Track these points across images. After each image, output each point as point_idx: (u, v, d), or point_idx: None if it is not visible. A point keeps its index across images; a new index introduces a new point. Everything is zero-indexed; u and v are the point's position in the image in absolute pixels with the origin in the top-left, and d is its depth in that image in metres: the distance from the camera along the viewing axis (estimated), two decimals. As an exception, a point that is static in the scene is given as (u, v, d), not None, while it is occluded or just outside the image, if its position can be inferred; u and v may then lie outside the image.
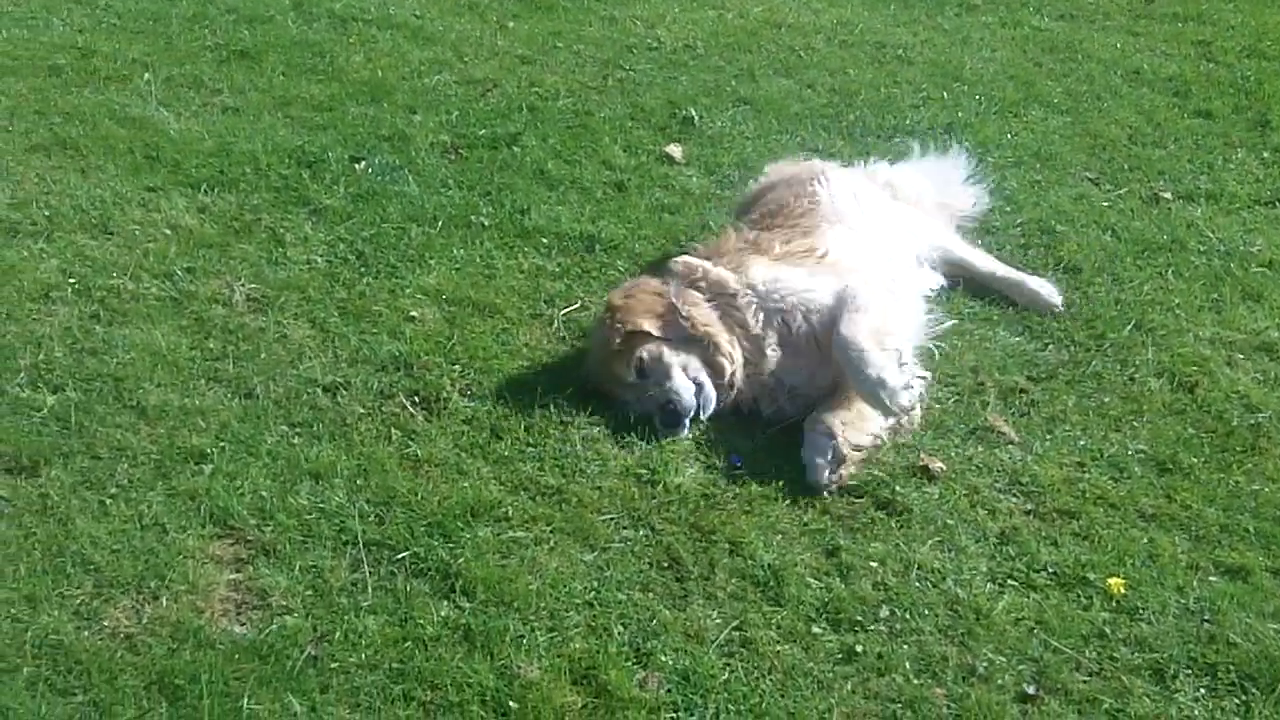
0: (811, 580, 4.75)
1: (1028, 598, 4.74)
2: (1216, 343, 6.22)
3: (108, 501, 4.79)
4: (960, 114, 8.44)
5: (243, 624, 4.39)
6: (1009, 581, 4.81)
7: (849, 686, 4.34)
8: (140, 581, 4.48)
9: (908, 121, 8.29)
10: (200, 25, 8.86)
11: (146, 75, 8.04)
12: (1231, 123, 8.54)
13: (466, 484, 5.02)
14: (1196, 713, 4.33)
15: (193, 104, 7.78)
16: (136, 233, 6.39)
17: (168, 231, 6.42)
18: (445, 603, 4.51)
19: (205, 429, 5.17)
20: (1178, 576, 4.86)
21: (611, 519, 4.95)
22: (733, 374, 5.52)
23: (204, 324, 5.79)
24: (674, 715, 4.19)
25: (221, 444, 5.10)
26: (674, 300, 5.60)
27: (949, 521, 5.06)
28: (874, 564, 4.83)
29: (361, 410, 5.36)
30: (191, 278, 6.08)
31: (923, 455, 5.37)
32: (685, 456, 5.31)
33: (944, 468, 5.33)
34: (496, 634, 4.38)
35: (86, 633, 4.28)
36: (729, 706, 4.23)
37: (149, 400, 5.29)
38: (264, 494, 4.88)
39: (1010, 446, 5.47)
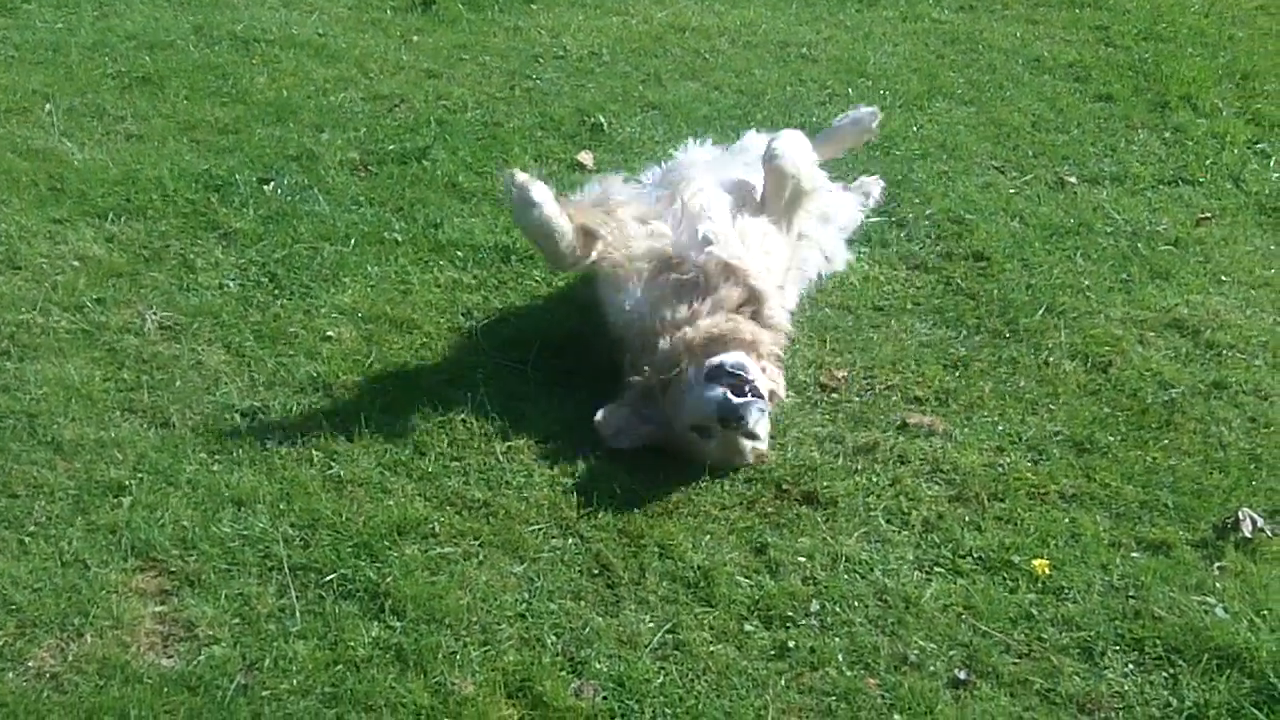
0: (741, 579, 4.77)
1: (955, 584, 4.79)
2: (1128, 322, 6.30)
3: (26, 540, 4.72)
4: (866, 108, 8.49)
5: (170, 656, 4.34)
6: (935, 569, 4.86)
7: (783, 682, 4.36)
8: (64, 619, 4.42)
9: (814, 119, 8.32)
10: (100, 53, 8.75)
11: (48, 106, 7.92)
12: (1132, 105, 8.66)
13: (391, 502, 5.00)
14: (1126, 688, 4.39)
15: (96, 133, 7.68)
16: (44, 266, 6.30)
17: (76, 263, 6.33)
18: (375, 623, 4.48)
19: (123, 461, 5.11)
20: (1101, 555, 4.93)
21: (540, 529, 4.95)
22: None
23: (117, 355, 5.72)
24: (610, 722, 4.20)
25: (140, 475, 5.04)
26: None
27: (874, 513, 5.10)
28: (802, 559, 4.86)
29: (281, 434, 5.32)
30: (102, 308, 6.01)
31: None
32: (610, 463, 5.31)
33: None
34: (429, 651, 4.36)
35: (11, 674, 4.22)
36: (665, 710, 4.24)
37: (64, 435, 5.22)
38: (185, 524, 4.83)
39: (930, 435, 5.52)
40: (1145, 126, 8.37)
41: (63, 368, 5.58)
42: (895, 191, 7.37)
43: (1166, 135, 8.27)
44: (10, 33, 9.01)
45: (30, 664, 4.27)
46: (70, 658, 4.29)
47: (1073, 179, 7.68)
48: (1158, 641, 4.56)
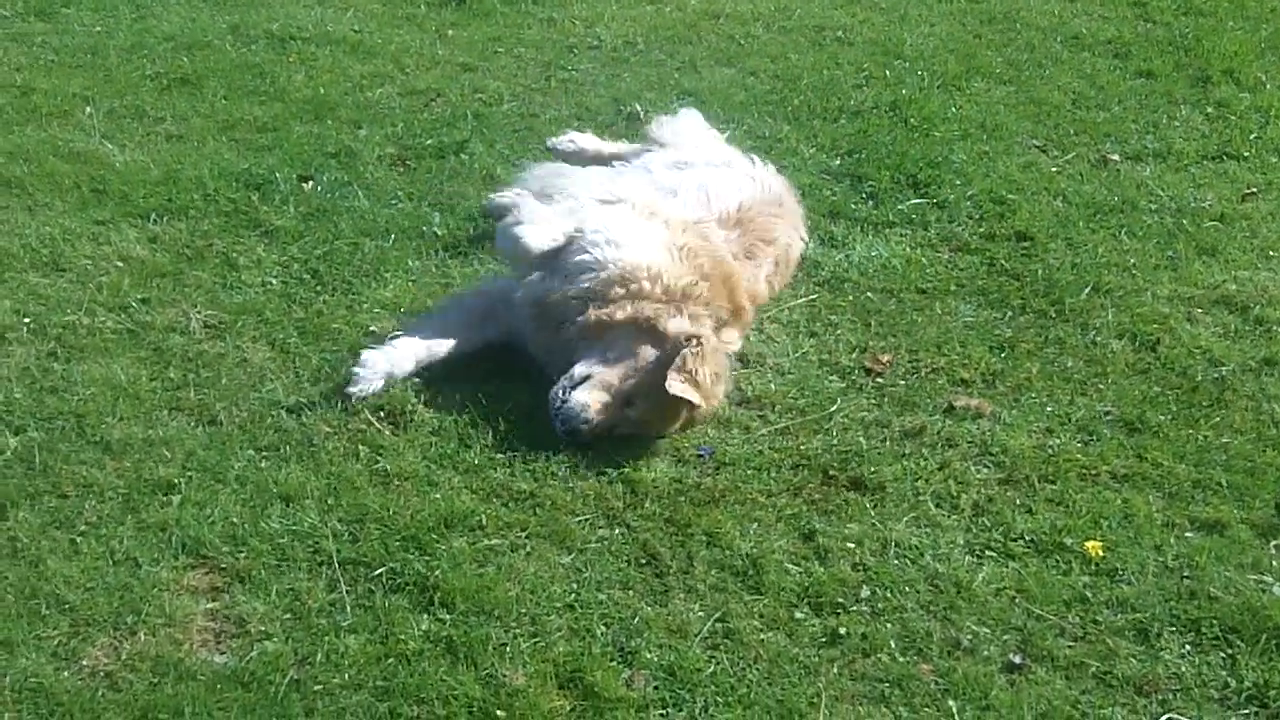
0: (790, 566, 4.75)
1: (1007, 567, 4.76)
2: (1175, 299, 6.25)
3: (78, 540, 4.74)
4: (904, 91, 8.45)
5: (223, 653, 4.35)
6: (987, 552, 4.83)
7: (835, 669, 4.34)
8: (117, 618, 4.43)
9: (851, 102, 8.29)
10: (139, 55, 8.78)
11: (88, 109, 7.96)
12: (1173, 81, 8.59)
13: (438, 495, 5.00)
14: (1183, 669, 4.36)
15: (136, 134, 7.70)
16: (89, 267, 6.32)
17: (120, 264, 6.36)
18: (425, 616, 4.48)
19: (171, 459, 5.13)
20: (1154, 535, 4.89)
21: (586, 520, 4.94)
22: None
23: (163, 354, 5.74)
24: (662, 712, 4.19)
25: (188, 473, 5.06)
26: None
27: (923, 497, 5.07)
28: (851, 545, 4.84)
29: (328, 429, 5.32)
30: (147, 308, 6.03)
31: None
32: (654, 452, 5.30)
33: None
34: (479, 643, 4.36)
35: (66, 673, 4.24)
36: (717, 699, 4.23)
37: (113, 435, 5.24)
38: (235, 520, 4.84)
39: (978, 418, 5.48)
40: (1187, 102, 8.31)
41: (109, 368, 5.60)
42: (935, 173, 7.33)
43: (1209, 110, 8.21)
44: (50, 37, 9.05)
45: (84, 663, 4.28)
46: (124, 656, 4.30)
47: (1115, 156, 7.62)
48: (1214, 622, 4.52)
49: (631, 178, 6.37)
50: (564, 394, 5.31)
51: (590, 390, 5.32)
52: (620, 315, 5.45)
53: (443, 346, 5.71)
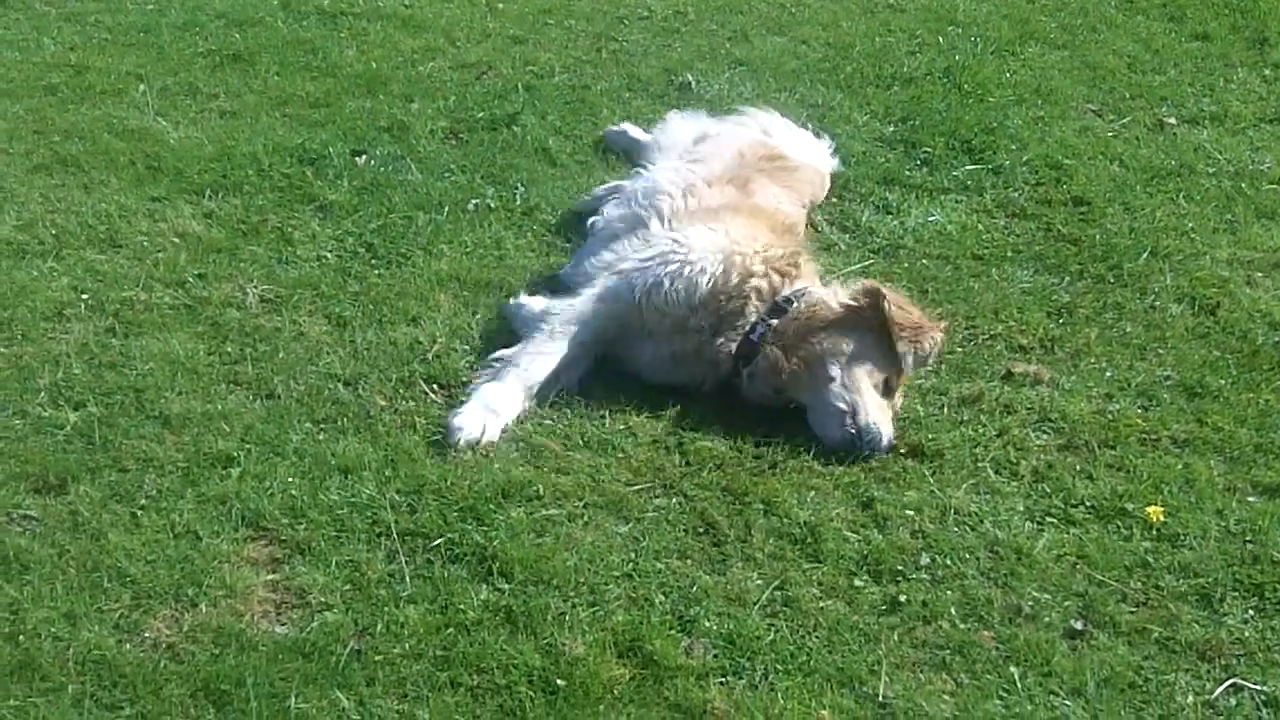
0: (849, 534, 4.73)
1: (1067, 533, 4.72)
2: (1234, 263, 6.19)
3: (138, 513, 4.77)
4: (957, 57, 8.39)
5: (283, 624, 4.37)
6: (1047, 519, 4.80)
7: (895, 637, 4.32)
8: (178, 590, 4.46)
9: (905, 69, 8.24)
10: (191, 32, 8.81)
11: (142, 86, 8.00)
12: (1229, 43, 8.49)
13: (495, 466, 5.00)
14: (1247, 634, 4.32)
15: (190, 111, 7.74)
16: (145, 244, 6.36)
17: (176, 240, 6.39)
18: (484, 586, 4.49)
19: (230, 433, 5.16)
20: (1216, 500, 4.84)
21: (643, 489, 4.94)
22: None
23: (220, 328, 5.77)
24: (722, 680, 4.17)
25: (247, 446, 5.08)
26: None
27: (982, 464, 5.04)
28: (910, 513, 4.81)
29: (384, 401, 5.34)
30: (203, 284, 6.06)
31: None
32: (710, 421, 5.29)
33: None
34: (538, 613, 4.36)
35: (128, 645, 4.27)
36: (776, 666, 4.21)
37: (171, 409, 5.27)
38: (294, 493, 4.86)
39: (1036, 384, 5.44)
40: (1244, 64, 8.22)
41: (167, 343, 5.63)
42: (990, 139, 7.28)
43: (1266, 72, 8.11)
44: (103, 16, 9.10)
45: (147, 635, 4.31)
46: (185, 628, 4.33)
47: (1172, 120, 7.54)
48: (1278, 586, 4.47)
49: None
50: (857, 432, 5.14)
51: (871, 411, 5.18)
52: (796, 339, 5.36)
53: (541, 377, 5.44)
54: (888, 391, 5.27)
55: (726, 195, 6.06)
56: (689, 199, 6.01)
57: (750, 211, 5.88)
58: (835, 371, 5.23)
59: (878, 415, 5.15)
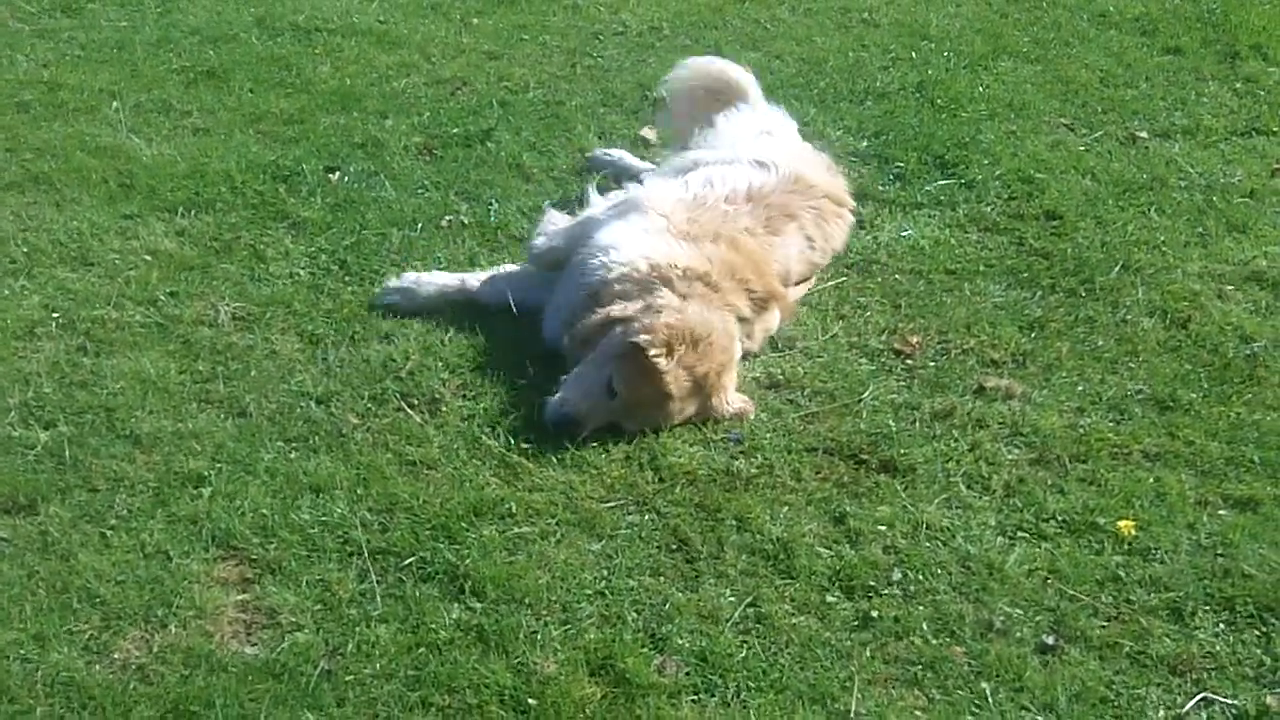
0: (821, 550, 4.73)
1: (1039, 548, 4.73)
2: (1205, 276, 6.21)
3: (109, 533, 4.75)
4: (930, 71, 8.41)
5: (254, 644, 4.36)
6: (1019, 533, 4.81)
7: (868, 653, 4.32)
8: (148, 611, 4.44)
9: (878, 84, 8.26)
10: (165, 49, 8.79)
11: (115, 104, 7.97)
12: (1201, 57, 8.53)
13: (468, 484, 5.00)
14: (1218, 648, 4.33)
15: (163, 128, 7.72)
16: (117, 262, 6.34)
17: (148, 258, 6.37)
18: (456, 605, 4.48)
19: (201, 452, 5.14)
20: (1187, 514, 4.86)
21: (616, 506, 4.93)
22: None
23: (192, 347, 5.75)
24: (694, 698, 4.18)
25: (218, 465, 5.07)
26: None
27: (954, 478, 5.05)
28: (882, 528, 4.82)
29: (356, 419, 5.33)
30: (175, 302, 6.05)
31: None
32: (684, 438, 5.29)
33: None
34: (510, 632, 4.36)
35: (98, 667, 4.25)
36: (749, 684, 4.21)
37: (142, 428, 5.25)
38: (265, 512, 4.84)
39: (1008, 398, 5.45)
40: (1215, 78, 8.25)
41: (139, 361, 5.61)
42: (963, 153, 7.30)
43: (1237, 86, 8.15)
44: (76, 32, 9.06)
45: (116, 655, 4.29)
46: (155, 649, 4.31)
47: (1143, 134, 7.57)
48: (1249, 600, 4.49)
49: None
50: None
51: (570, 387, 5.34)
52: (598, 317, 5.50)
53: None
54: (609, 393, 5.31)
55: (755, 217, 6.00)
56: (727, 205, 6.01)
57: (744, 253, 5.80)
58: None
59: (573, 395, 5.29)
